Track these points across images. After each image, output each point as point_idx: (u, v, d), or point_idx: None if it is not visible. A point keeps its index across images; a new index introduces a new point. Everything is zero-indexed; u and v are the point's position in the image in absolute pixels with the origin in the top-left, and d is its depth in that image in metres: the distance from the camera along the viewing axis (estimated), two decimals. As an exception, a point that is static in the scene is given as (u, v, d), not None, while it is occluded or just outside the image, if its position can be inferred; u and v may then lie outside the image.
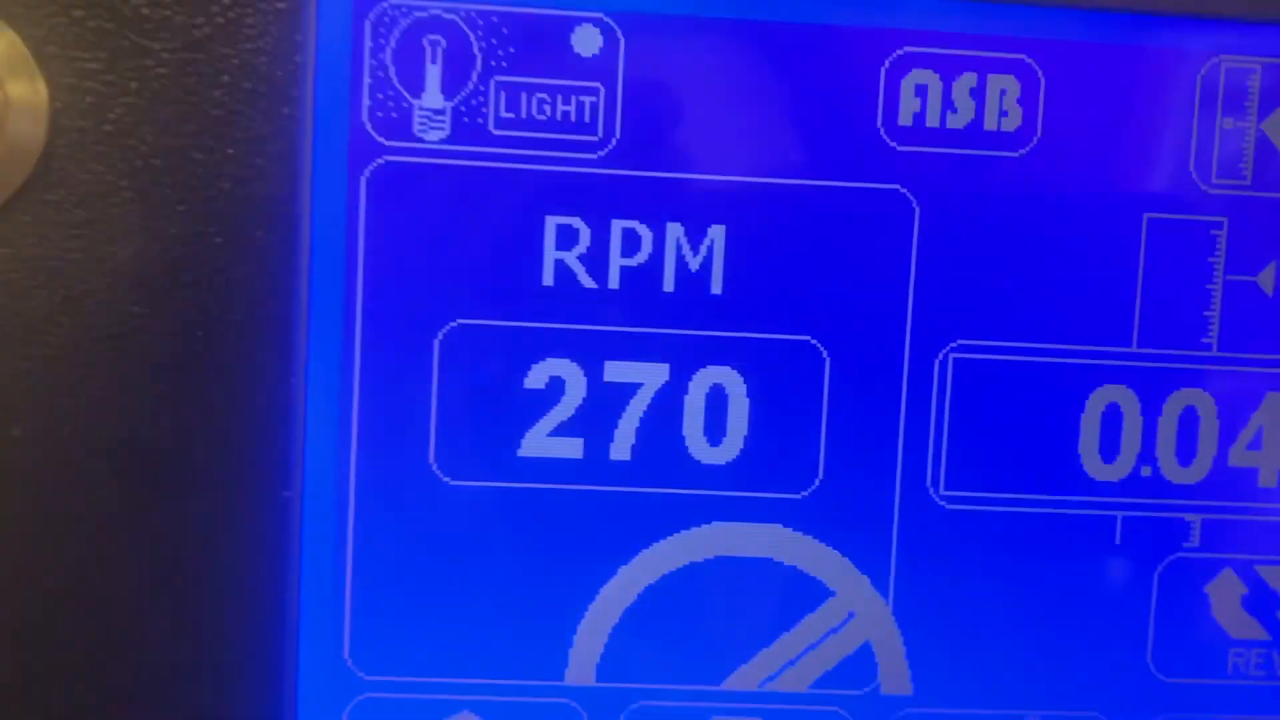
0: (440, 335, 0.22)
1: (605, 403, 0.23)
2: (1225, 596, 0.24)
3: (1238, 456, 0.24)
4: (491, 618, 0.23)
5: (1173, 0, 0.23)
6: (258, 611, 0.22)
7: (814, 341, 0.23)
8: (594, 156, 0.22)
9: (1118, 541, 0.24)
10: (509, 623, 0.23)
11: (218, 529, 0.22)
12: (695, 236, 0.23)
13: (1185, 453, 0.24)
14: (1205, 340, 0.23)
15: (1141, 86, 0.23)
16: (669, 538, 0.23)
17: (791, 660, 0.23)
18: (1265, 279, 0.23)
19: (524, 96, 0.22)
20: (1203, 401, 0.24)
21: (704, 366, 0.23)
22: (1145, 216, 0.23)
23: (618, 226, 0.22)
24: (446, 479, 0.23)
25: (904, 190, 0.23)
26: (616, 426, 0.23)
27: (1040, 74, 0.23)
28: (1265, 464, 0.24)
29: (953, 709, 0.24)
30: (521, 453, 0.23)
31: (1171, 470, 0.24)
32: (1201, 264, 0.23)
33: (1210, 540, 0.24)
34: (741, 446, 0.23)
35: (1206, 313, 0.23)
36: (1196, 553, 0.24)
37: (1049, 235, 0.23)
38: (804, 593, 0.23)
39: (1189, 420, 0.24)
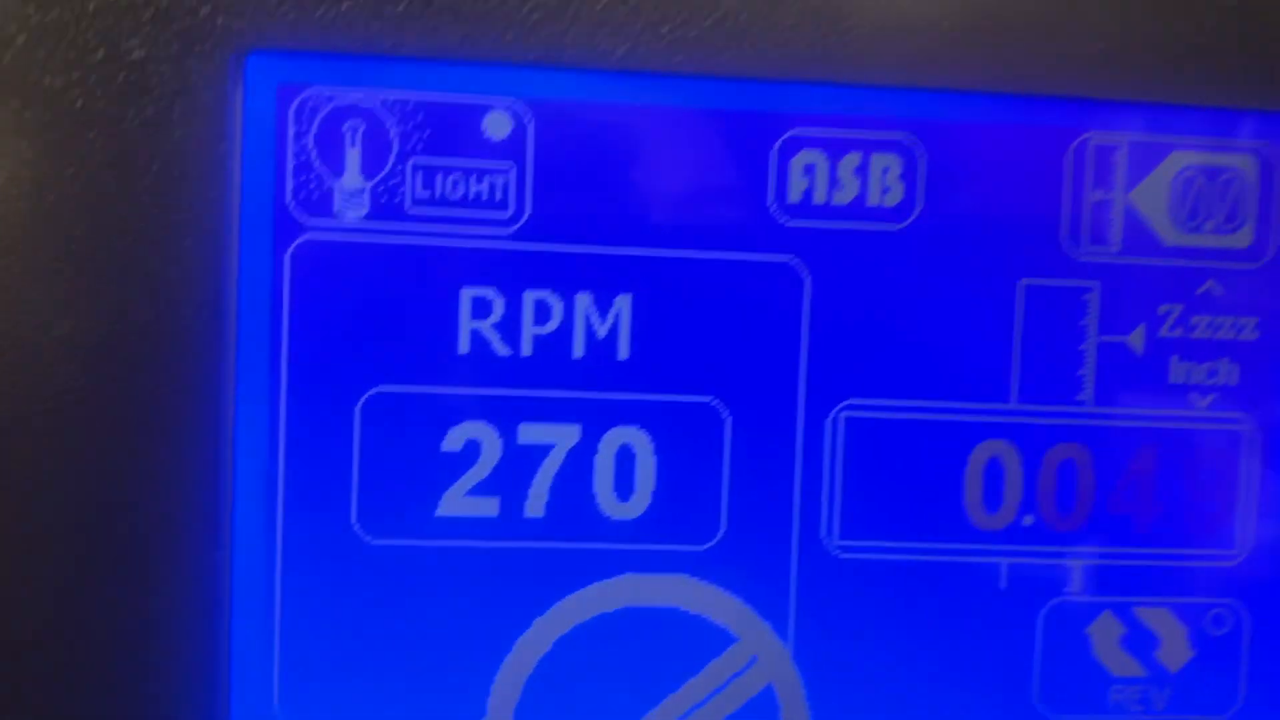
0: (361, 402, 0.24)
1: (519, 463, 0.24)
2: (1105, 637, 0.26)
3: (1114, 505, 0.25)
4: (413, 667, 0.24)
5: (1043, 82, 0.24)
6: (190, 665, 0.24)
7: (715, 402, 0.24)
8: (505, 232, 0.24)
9: (1003, 586, 0.25)
10: (430, 672, 0.24)
11: (153, 590, 0.23)
12: (603, 305, 0.24)
13: (1064, 502, 0.25)
14: (1080, 398, 0.25)
15: (1015, 162, 0.25)
16: (581, 590, 0.24)
17: (699, 703, 0.25)
18: (1135, 339, 0.25)
19: (439, 177, 0.24)
20: (1080, 454, 0.25)
21: (613, 427, 0.24)
22: (1021, 283, 0.25)
23: (529, 297, 0.24)
24: (368, 538, 0.24)
25: (795, 261, 0.24)
26: (530, 485, 0.24)
27: (920, 152, 0.24)
28: (1139, 512, 0.25)
29: (851, 747, 0.25)
30: (440, 512, 0.24)
31: (1052, 519, 0.25)
32: (1074, 327, 0.25)
33: (1090, 585, 0.25)
34: (649, 502, 0.24)
35: (1080, 372, 0.25)
36: (1078, 596, 0.25)
37: (931, 301, 0.25)
38: (709, 640, 0.25)
39: (1067, 472, 0.25)
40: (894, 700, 0.25)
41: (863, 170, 0.24)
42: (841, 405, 0.25)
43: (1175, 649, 0.26)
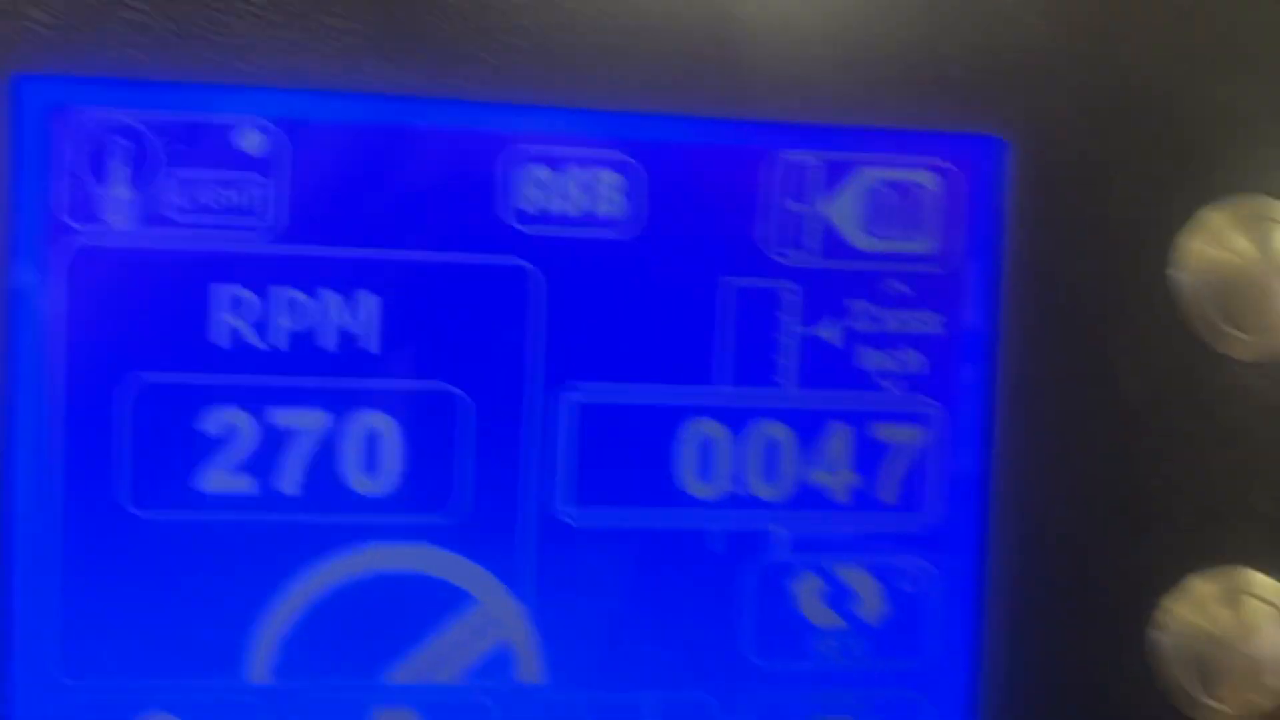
0: (131, 390, 0.26)
1: (274, 445, 0.27)
2: (809, 594, 0.29)
3: (813, 476, 0.29)
4: (181, 628, 0.27)
5: (744, 108, 0.28)
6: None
7: (455, 389, 0.27)
8: (260, 237, 0.26)
9: (716, 549, 0.29)
10: (196, 632, 0.27)
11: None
12: (349, 303, 0.27)
13: (770, 474, 0.29)
14: (781, 382, 0.28)
15: (722, 177, 0.28)
16: (333, 558, 0.27)
17: (442, 657, 0.28)
18: (829, 332, 0.29)
19: (198, 188, 0.26)
20: (782, 432, 0.29)
21: (359, 411, 0.27)
22: (728, 281, 0.28)
23: (282, 295, 0.27)
24: (139, 513, 0.27)
25: (527, 264, 0.27)
26: (285, 465, 0.27)
27: (639, 169, 0.28)
28: (835, 482, 0.29)
29: (581, 693, 0.28)
30: (201, 488, 0.27)
31: (759, 488, 0.29)
32: (776, 320, 0.28)
33: (794, 547, 0.29)
34: (395, 480, 0.27)
35: (782, 359, 0.28)
36: (783, 557, 0.29)
37: (649, 299, 0.28)
38: (451, 601, 0.28)
39: (771, 447, 0.29)
40: (620, 653, 0.28)
41: (588, 184, 0.27)
42: (570, 390, 0.28)
43: (872, 604, 0.29)
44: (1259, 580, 0.30)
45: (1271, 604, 0.30)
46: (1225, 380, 0.30)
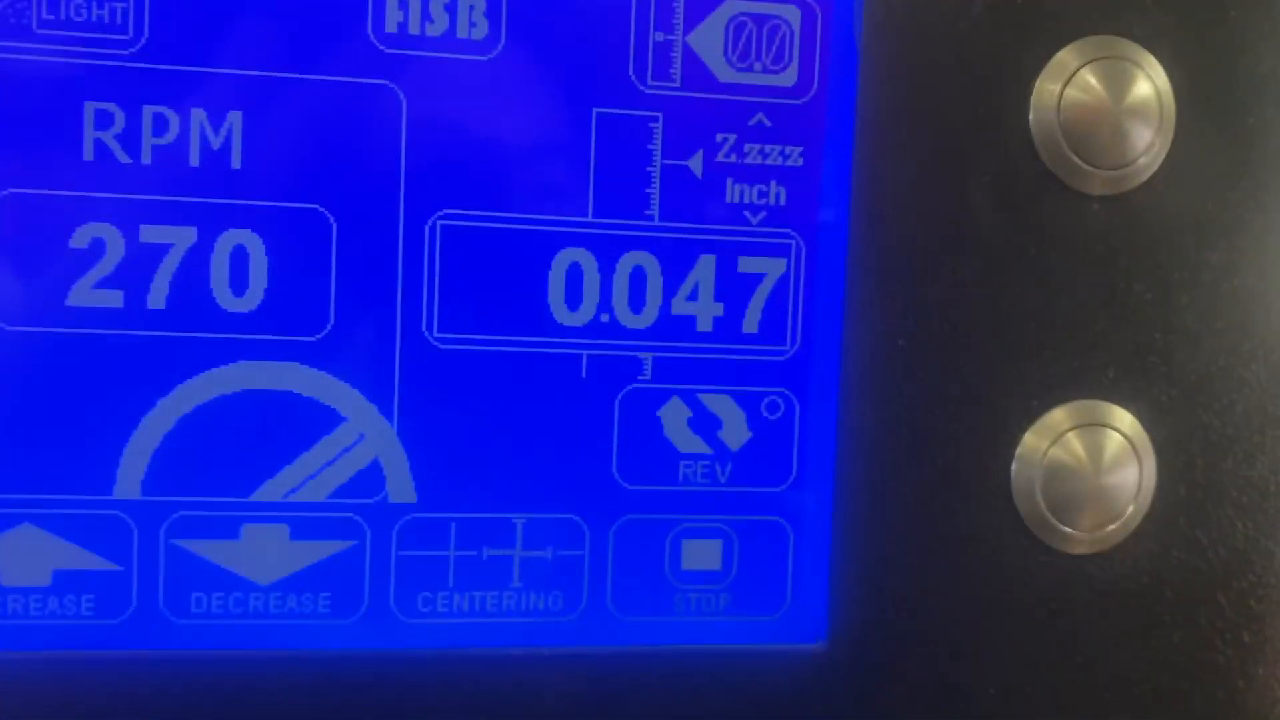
0: (-4, 203, 0.27)
1: (141, 260, 0.27)
2: (674, 419, 0.30)
3: (679, 306, 0.30)
4: (48, 443, 0.27)
5: (609, -64, 0.28)
6: None
7: (322, 209, 0.28)
8: (126, 53, 0.27)
9: (584, 375, 0.29)
10: (64, 447, 0.27)
11: None
12: (216, 120, 0.27)
13: (636, 303, 0.29)
14: (648, 213, 0.29)
15: (587, 4, 0.28)
16: (201, 374, 0.28)
17: (311, 475, 0.28)
18: (694, 163, 0.29)
19: (63, 1, 0.26)
20: (648, 261, 0.29)
21: (227, 230, 0.27)
22: (594, 110, 0.29)
23: (149, 111, 0.27)
24: (3, 325, 0.27)
25: (392, 85, 0.28)
26: (152, 280, 0.27)
27: (503, -7, 0.28)
28: (700, 312, 0.30)
29: (451, 513, 0.29)
30: (69, 303, 0.27)
31: (626, 317, 0.29)
32: (643, 150, 0.29)
33: (660, 374, 0.30)
34: (262, 298, 0.28)
35: (648, 190, 0.29)
36: (649, 384, 0.30)
37: (518, 125, 0.28)
38: (320, 419, 0.28)
39: (638, 277, 0.29)
40: (490, 473, 0.29)
41: (451, 7, 0.28)
42: (438, 214, 0.28)
43: (735, 430, 0.30)
44: (1116, 413, 0.31)
45: (1126, 436, 0.31)
46: (1081, 215, 0.31)
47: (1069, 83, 0.30)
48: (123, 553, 0.28)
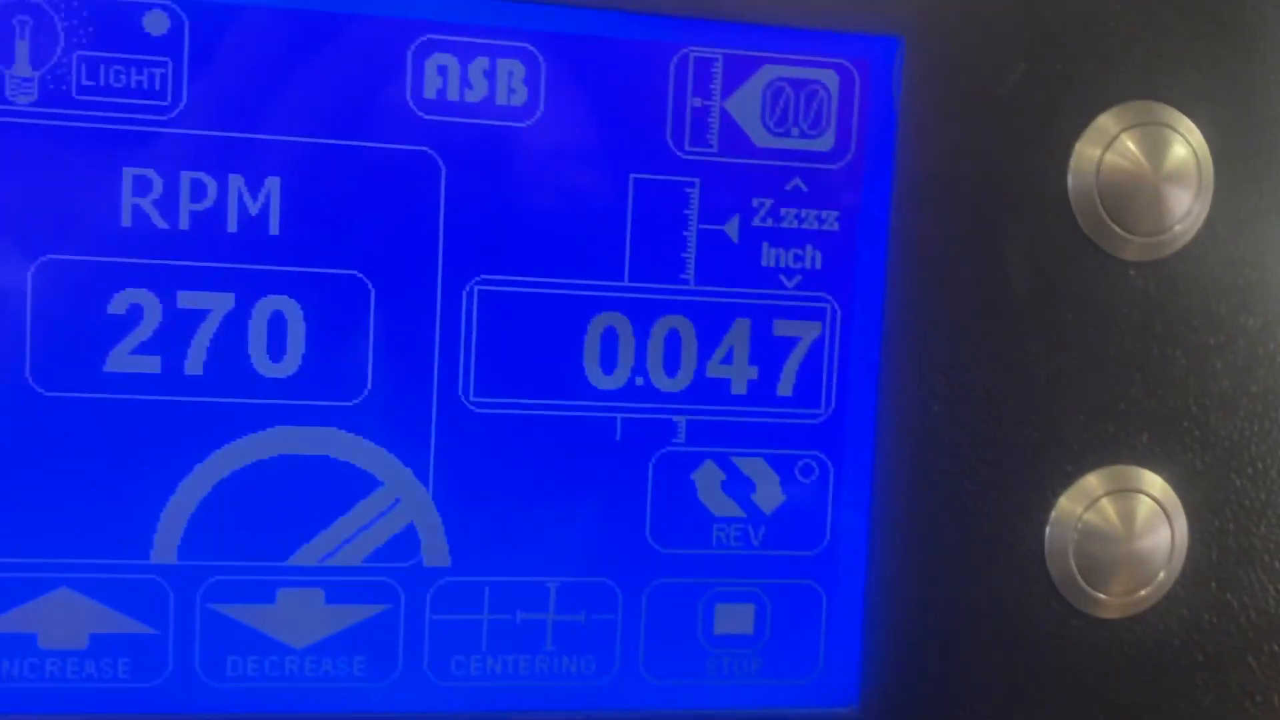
0: (33, 269, 0.27)
1: (179, 326, 0.27)
2: (708, 482, 0.30)
3: (714, 369, 0.30)
4: (86, 508, 0.27)
5: (647, 1, 0.28)
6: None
7: (360, 275, 0.28)
8: (164, 118, 0.27)
9: (618, 438, 0.29)
10: (101, 512, 0.27)
11: None
12: (254, 186, 0.27)
13: (671, 366, 0.29)
14: (684, 276, 0.29)
15: (625, 71, 0.28)
16: (238, 439, 0.28)
17: (347, 539, 0.28)
18: (730, 228, 0.29)
19: (102, 68, 0.26)
20: (683, 325, 0.29)
21: (265, 295, 0.27)
22: (631, 176, 0.29)
23: (186, 177, 0.27)
24: (42, 391, 0.27)
25: (431, 151, 0.28)
26: (190, 346, 0.27)
27: (541, 59, 0.28)
28: (735, 375, 0.30)
29: (485, 576, 0.29)
30: (107, 369, 0.27)
31: (660, 380, 0.29)
32: (679, 215, 0.29)
33: (694, 437, 0.30)
34: (300, 364, 0.28)
35: (684, 254, 0.29)
36: (683, 447, 0.30)
37: (554, 190, 0.28)
38: (356, 484, 0.28)
39: (673, 340, 0.29)
40: (524, 537, 0.29)
41: (491, 73, 0.28)
42: (475, 279, 0.28)
43: (769, 494, 0.30)
44: (1149, 478, 0.31)
45: (1158, 502, 0.31)
46: (1116, 281, 0.31)
47: (1109, 148, 0.30)
48: (159, 617, 0.28)
